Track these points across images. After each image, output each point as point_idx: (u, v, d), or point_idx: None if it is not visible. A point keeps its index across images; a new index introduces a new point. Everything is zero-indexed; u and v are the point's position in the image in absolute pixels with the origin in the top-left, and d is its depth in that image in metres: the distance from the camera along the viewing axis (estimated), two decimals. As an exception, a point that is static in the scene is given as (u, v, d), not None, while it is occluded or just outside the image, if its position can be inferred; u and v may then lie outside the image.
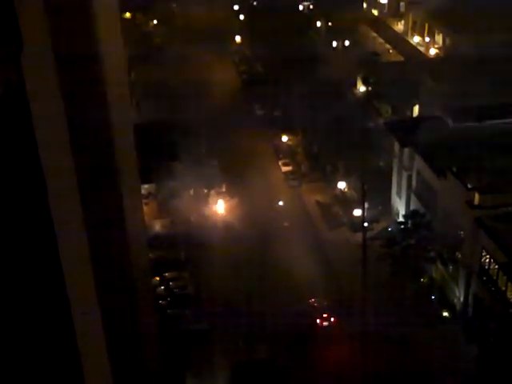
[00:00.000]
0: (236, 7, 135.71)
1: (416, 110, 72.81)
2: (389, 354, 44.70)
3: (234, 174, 71.11)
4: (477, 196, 45.75)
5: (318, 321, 50.39)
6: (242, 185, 68.85)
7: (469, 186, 47.01)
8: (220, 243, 58.99)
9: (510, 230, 43.85)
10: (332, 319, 50.40)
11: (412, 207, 55.77)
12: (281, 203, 68.08)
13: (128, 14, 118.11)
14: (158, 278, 54.85)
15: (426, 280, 52.37)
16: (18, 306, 25.19)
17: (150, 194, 62.93)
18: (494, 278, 43.95)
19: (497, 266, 43.61)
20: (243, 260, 56.29)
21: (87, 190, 23.80)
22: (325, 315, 50.79)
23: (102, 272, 25.24)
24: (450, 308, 49.61)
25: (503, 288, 42.99)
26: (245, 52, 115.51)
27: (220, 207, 65.49)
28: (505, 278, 42.51)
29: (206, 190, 67.86)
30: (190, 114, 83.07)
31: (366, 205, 55.40)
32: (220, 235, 60.99)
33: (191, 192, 66.28)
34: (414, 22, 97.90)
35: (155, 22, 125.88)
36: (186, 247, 58.63)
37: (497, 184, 47.46)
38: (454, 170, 48.67)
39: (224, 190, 68.93)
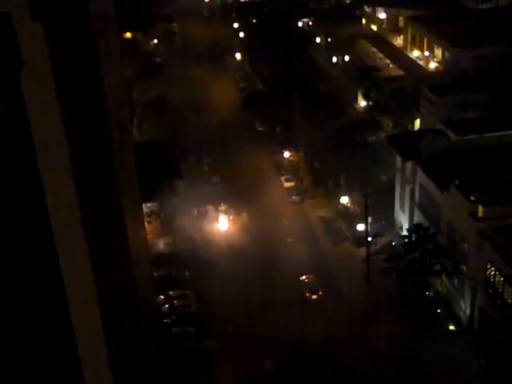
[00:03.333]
0: (236, 25, 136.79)
1: (417, 123, 72.87)
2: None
3: (236, 190, 71.10)
4: (480, 208, 45.58)
5: (307, 294, 54.64)
6: (244, 201, 68.79)
7: (472, 198, 46.86)
8: (224, 260, 58.92)
9: (514, 242, 43.62)
10: (320, 293, 54.62)
11: (415, 221, 55.60)
12: (284, 219, 67.97)
13: (129, 34, 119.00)
14: (162, 297, 54.75)
15: (431, 293, 52.13)
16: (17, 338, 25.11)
17: (153, 212, 62.90)
18: (500, 290, 43.68)
19: (502, 279, 43.36)
20: (247, 277, 56.14)
21: (89, 211, 23.84)
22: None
23: (106, 291, 25.17)
24: (456, 321, 49.31)
25: (509, 300, 42.71)
26: (245, 69, 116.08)
27: (223, 224, 65.41)
28: (511, 290, 42.24)
29: (209, 207, 67.80)
30: (191, 131, 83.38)
31: (370, 219, 55.30)
32: (224, 252, 60.90)
33: (194, 209, 66.24)
34: (413, 37, 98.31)
35: (155, 41, 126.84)
36: (189, 265, 58.49)
37: (500, 196, 47.29)
38: (457, 182, 48.56)
39: (227, 206, 68.85)
